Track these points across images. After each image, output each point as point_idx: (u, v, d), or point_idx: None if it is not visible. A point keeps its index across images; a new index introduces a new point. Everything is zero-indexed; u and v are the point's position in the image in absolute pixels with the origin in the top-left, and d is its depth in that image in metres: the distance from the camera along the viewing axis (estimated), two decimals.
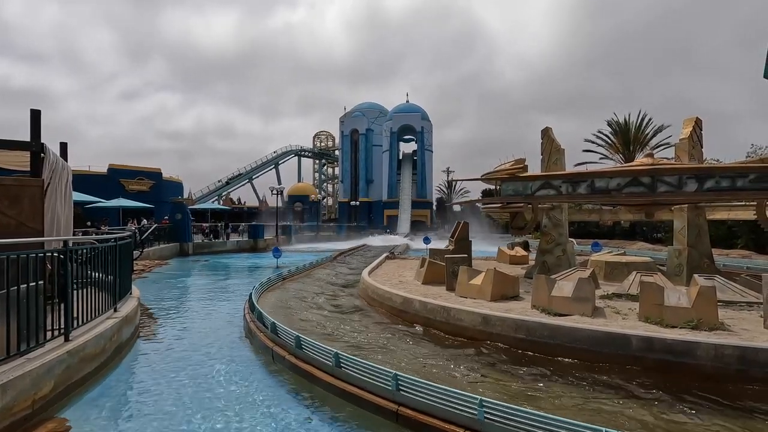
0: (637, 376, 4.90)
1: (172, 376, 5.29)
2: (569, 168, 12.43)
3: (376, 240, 37.94)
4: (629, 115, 31.50)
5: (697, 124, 10.63)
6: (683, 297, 6.07)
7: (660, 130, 29.81)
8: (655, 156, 8.84)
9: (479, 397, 3.50)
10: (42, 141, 6.34)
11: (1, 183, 5.12)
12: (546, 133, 11.55)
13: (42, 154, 6.30)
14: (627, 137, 30.99)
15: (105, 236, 7.57)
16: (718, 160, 19.54)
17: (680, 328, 5.66)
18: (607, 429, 2.99)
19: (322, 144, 77.09)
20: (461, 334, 6.74)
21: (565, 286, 6.99)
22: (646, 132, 30.64)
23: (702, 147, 10.68)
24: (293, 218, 50.39)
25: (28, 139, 6.24)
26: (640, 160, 9.27)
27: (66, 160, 7.74)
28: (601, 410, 4.17)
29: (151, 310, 9.16)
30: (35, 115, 6.23)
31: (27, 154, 6.32)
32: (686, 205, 10.36)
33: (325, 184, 77.37)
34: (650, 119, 30.50)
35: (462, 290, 8.40)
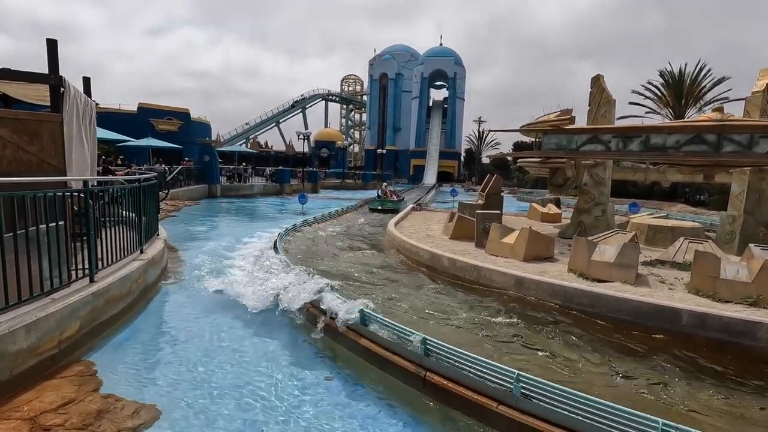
0: (688, 355, 4.51)
1: (197, 322, 5.27)
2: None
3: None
4: (686, 65, 28.72)
5: None
6: (743, 270, 5.50)
7: (719, 82, 27.14)
8: (725, 111, 7.82)
9: (516, 370, 3.22)
10: (61, 74, 6.03)
11: (17, 117, 4.89)
12: (597, 81, 10.44)
13: (62, 89, 6.01)
14: (680, 90, 28.44)
15: (131, 177, 7.46)
16: None
17: (735, 303, 5.19)
18: (655, 417, 2.66)
19: (350, 88, 74.88)
20: (491, 295, 6.45)
21: (607, 250, 6.49)
22: (703, 84, 28.00)
23: None
24: (319, 164, 50.10)
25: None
26: (708, 114, 8.27)
27: (90, 96, 7.47)
28: (648, 393, 3.85)
29: (178, 251, 9.25)
30: (52, 46, 5.85)
31: (46, 88, 6.05)
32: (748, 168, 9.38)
33: (351, 130, 76.07)
34: (709, 70, 27.72)
35: (493, 248, 8.02)
